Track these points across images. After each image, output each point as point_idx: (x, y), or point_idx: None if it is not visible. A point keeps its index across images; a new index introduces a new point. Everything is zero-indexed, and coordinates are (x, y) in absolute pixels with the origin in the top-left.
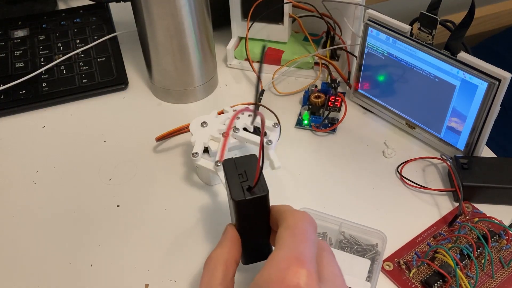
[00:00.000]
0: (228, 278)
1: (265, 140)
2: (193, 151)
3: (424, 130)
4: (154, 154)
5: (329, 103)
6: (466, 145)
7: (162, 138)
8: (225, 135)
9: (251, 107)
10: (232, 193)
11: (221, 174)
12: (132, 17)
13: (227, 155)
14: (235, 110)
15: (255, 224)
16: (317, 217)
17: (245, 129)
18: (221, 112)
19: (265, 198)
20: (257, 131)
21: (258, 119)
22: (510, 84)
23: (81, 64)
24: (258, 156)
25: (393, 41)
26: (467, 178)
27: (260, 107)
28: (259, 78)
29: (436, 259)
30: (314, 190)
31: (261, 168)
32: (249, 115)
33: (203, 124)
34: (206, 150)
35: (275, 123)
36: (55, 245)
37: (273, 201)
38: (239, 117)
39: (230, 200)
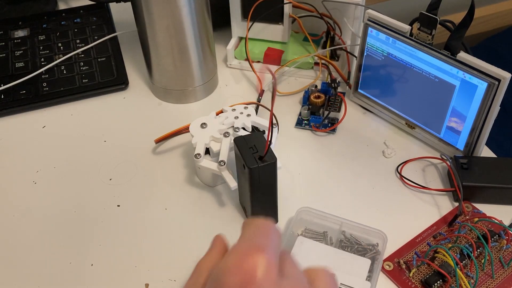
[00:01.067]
0: None
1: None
2: (196, 153)
3: (423, 130)
4: (154, 154)
5: (329, 103)
6: (466, 145)
7: (161, 140)
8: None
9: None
10: (247, 162)
11: (225, 173)
12: (133, 17)
13: (228, 155)
14: (234, 109)
15: (265, 189)
16: (317, 216)
17: (244, 129)
18: (220, 112)
19: (274, 164)
20: (255, 131)
21: (257, 120)
22: (510, 84)
23: (82, 64)
24: (267, 131)
25: (393, 41)
26: (467, 178)
27: (260, 107)
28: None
29: (436, 259)
30: (314, 190)
31: (270, 140)
32: (248, 115)
33: (203, 125)
34: (207, 151)
35: (272, 124)
36: (56, 244)
37: None
38: (237, 117)
39: (245, 170)
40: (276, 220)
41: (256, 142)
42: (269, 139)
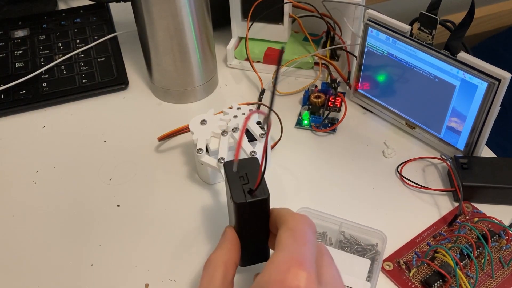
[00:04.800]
0: (228, 280)
1: (248, 151)
2: (197, 148)
3: (424, 130)
4: (154, 154)
5: (329, 103)
6: (466, 145)
7: (164, 138)
8: (240, 133)
9: (269, 116)
10: (234, 195)
11: (223, 170)
12: (132, 17)
13: (227, 155)
14: (238, 108)
15: (255, 227)
16: (317, 217)
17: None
18: (219, 113)
19: (266, 201)
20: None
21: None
22: (510, 84)
23: (81, 64)
24: (260, 159)
25: (393, 41)
26: (467, 178)
27: (262, 106)
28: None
29: (436, 259)
30: (314, 190)
31: (263, 171)
32: (246, 117)
33: (203, 122)
34: (207, 149)
35: (262, 134)
36: (56, 244)
37: (273, 200)
38: (236, 116)
39: (231, 202)
40: (266, 258)
41: (248, 170)
42: (263, 168)
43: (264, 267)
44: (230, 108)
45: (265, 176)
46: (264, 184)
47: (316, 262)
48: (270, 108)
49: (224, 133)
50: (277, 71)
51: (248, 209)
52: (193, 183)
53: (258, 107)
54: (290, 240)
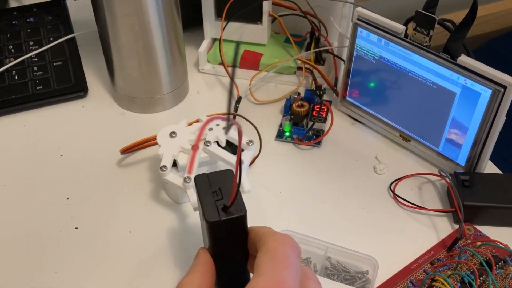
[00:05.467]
0: None
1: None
2: (161, 164)
3: (420, 143)
4: (117, 170)
5: (314, 112)
6: (468, 159)
7: (127, 150)
8: (194, 148)
9: (229, 117)
10: (205, 213)
11: (190, 191)
12: (92, 16)
13: (197, 171)
14: (218, 125)
15: (231, 248)
16: (300, 240)
17: (218, 143)
18: (194, 122)
19: (243, 219)
20: (229, 146)
21: (235, 136)
22: None
23: (35, 69)
24: (235, 171)
25: (386, 43)
26: (469, 197)
27: (237, 117)
28: (232, 80)
29: (434, 287)
30: (297, 211)
31: (238, 185)
32: (223, 128)
33: (172, 134)
34: (175, 163)
35: (249, 141)
36: (6, 272)
37: (250, 222)
38: (211, 129)
39: (203, 221)
40: (245, 283)
41: (222, 185)
42: (238, 180)
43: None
44: (197, 121)
45: (242, 194)
46: (240, 200)
47: (301, 285)
48: (229, 112)
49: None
50: (233, 70)
51: (223, 228)
52: (161, 201)
53: (234, 118)
54: (270, 264)
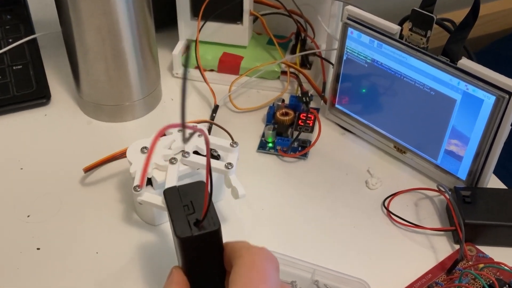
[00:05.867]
0: None
1: (223, 163)
2: (134, 184)
3: (416, 155)
4: (83, 186)
5: (300, 121)
6: (469, 173)
7: (91, 169)
8: (147, 156)
9: (184, 124)
10: (176, 229)
11: None
12: (56, 15)
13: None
14: (180, 130)
15: (205, 265)
16: (284, 262)
17: (196, 152)
18: (164, 134)
19: (217, 233)
20: (212, 154)
21: (212, 140)
22: None
23: None
24: (206, 181)
25: (379, 44)
26: (470, 215)
27: (213, 126)
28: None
29: None
30: (281, 230)
31: (210, 196)
32: (200, 135)
33: (144, 149)
34: (149, 181)
35: (233, 142)
36: None
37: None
38: (174, 140)
39: (175, 237)
40: None
41: (194, 197)
42: (209, 191)
43: None
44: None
45: (219, 210)
46: (213, 213)
47: None
48: (183, 122)
49: (173, 160)
50: (184, 71)
51: (195, 244)
52: (131, 221)
53: (210, 128)
54: (246, 278)
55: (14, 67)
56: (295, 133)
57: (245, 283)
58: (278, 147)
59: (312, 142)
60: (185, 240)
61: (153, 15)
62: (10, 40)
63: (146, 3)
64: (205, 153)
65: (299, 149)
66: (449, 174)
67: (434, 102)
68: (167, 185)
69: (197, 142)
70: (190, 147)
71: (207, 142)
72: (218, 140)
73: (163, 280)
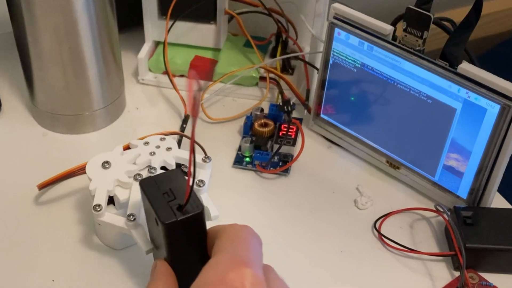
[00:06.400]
0: None
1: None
2: (94, 203)
3: (412, 171)
4: (38, 205)
5: (280, 133)
6: (471, 191)
7: (46, 186)
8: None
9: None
10: (160, 215)
11: (137, 232)
12: (7, 13)
13: (141, 206)
14: (147, 142)
15: (191, 251)
16: None
17: (164, 168)
18: (127, 147)
19: (200, 216)
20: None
21: (182, 154)
22: None
23: None
24: (188, 166)
25: (369, 47)
26: (472, 238)
27: (185, 139)
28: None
29: None
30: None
31: (193, 179)
32: (168, 149)
33: (105, 164)
34: (110, 200)
35: (205, 157)
36: None
37: None
38: (153, 153)
39: (157, 227)
40: None
41: (172, 185)
42: (192, 178)
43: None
44: (122, 150)
45: (210, 221)
46: (195, 197)
47: (264, 273)
48: None
49: (137, 176)
50: None
51: (180, 229)
52: (91, 244)
53: (179, 141)
54: (230, 244)
55: None
56: (276, 147)
57: (230, 247)
58: (256, 162)
59: (294, 157)
60: (170, 226)
61: (117, 14)
62: None
63: (109, 0)
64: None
65: (280, 164)
66: (448, 192)
67: (431, 112)
68: (131, 205)
69: (165, 156)
70: (157, 162)
71: (193, 129)
72: (186, 154)
73: None
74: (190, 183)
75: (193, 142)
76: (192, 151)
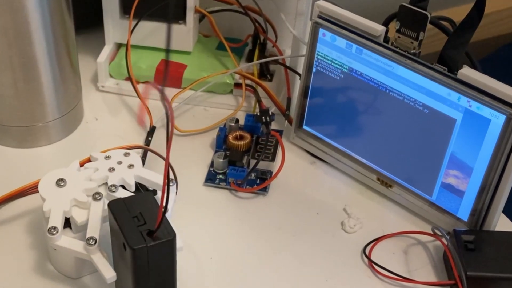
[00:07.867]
0: None
1: (153, 180)
2: (49, 226)
3: (406, 190)
4: None
5: (258, 147)
6: (472, 212)
7: None
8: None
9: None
10: (129, 240)
11: (97, 257)
12: None
13: (102, 228)
14: (108, 156)
15: (158, 281)
16: None
17: (123, 187)
18: (87, 160)
19: (172, 242)
20: (141, 190)
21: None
22: None
23: None
24: (161, 190)
25: (358, 50)
26: (474, 265)
27: (150, 154)
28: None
29: None
30: (234, 284)
31: (166, 204)
32: (130, 166)
33: (60, 182)
34: (67, 223)
35: (171, 179)
36: None
37: None
38: (113, 168)
39: (124, 252)
40: None
41: (143, 208)
42: (164, 202)
43: None
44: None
45: None
46: (166, 223)
47: None
48: None
49: (96, 195)
50: None
51: (150, 255)
52: (45, 272)
53: (144, 156)
54: None
55: None
56: (252, 162)
57: None
58: (231, 180)
59: (273, 173)
60: (139, 252)
61: (73, 12)
62: None
63: None
64: (132, 190)
65: (258, 182)
66: (447, 213)
67: (428, 123)
68: (91, 227)
69: (125, 174)
70: (115, 179)
71: (172, 120)
72: (152, 175)
73: None
74: (162, 208)
75: (167, 163)
76: (167, 174)
